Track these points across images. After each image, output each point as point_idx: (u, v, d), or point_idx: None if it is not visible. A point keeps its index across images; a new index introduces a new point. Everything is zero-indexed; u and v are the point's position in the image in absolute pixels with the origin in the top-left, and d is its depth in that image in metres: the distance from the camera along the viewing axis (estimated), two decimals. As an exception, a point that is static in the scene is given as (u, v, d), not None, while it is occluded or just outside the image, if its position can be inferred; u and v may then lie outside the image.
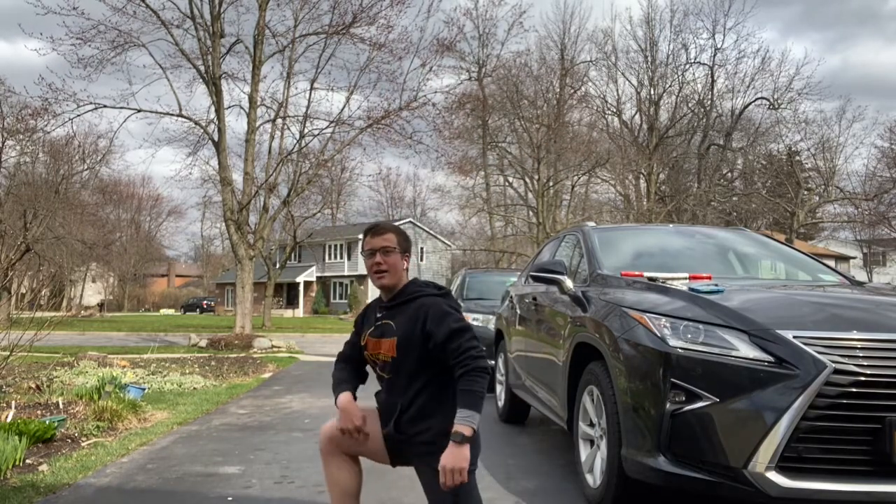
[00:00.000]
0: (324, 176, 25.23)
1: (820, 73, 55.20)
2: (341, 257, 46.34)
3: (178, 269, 69.56)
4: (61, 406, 5.81)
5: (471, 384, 2.25)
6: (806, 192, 29.61)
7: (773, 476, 2.62)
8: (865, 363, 2.63)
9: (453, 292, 9.85)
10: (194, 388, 7.95)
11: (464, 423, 2.20)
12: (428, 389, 2.43)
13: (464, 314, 2.59)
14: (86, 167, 27.89)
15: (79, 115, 16.37)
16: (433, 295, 2.48)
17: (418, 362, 2.40)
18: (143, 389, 7.07)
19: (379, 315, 2.57)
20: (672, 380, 2.86)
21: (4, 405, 5.56)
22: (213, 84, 16.27)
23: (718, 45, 34.01)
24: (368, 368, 2.68)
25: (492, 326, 7.38)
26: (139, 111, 16.57)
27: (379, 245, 2.52)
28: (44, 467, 4.18)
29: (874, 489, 2.59)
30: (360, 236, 2.67)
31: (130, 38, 15.89)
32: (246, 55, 17.32)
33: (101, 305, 50.87)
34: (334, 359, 2.79)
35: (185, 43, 16.52)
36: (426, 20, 37.25)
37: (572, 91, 31.20)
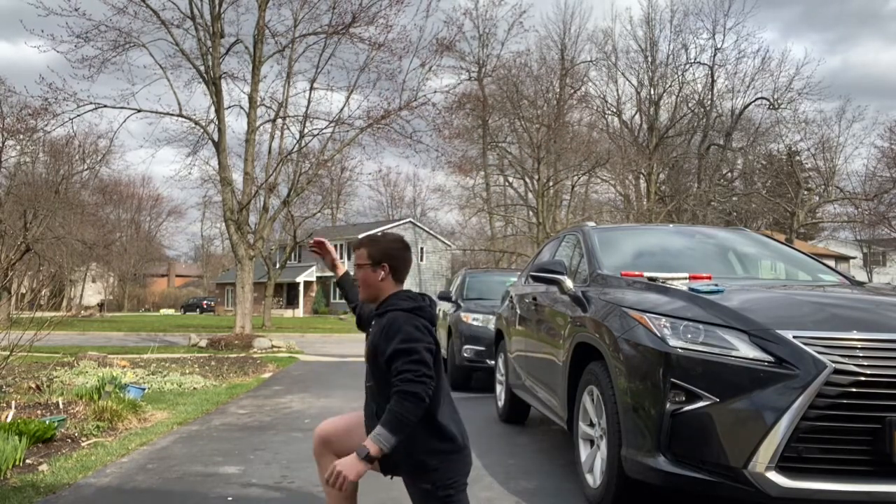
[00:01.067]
0: (324, 176, 25.26)
1: (820, 74, 55.36)
2: (341, 257, 46.16)
3: (178, 269, 69.57)
4: (61, 406, 5.81)
5: (397, 405, 2.16)
6: (806, 192, 29.61)
7: (773, 476, 2.62)
8: (865, 363, 2.63)
9: (453, 292, 9.93)
10: (194, 388, 7.94)
11: (373, 439, 2.14)
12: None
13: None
14: (86, 167, 27.93)
15: (79, 115, 16.38)
16: (400, 309, 2.40)
17: (381, 374, 2.34)
18: (143, 389, 7.07)
19: (372, 322, 2.58)
20: (672, 380, 2.86)
21: (4, 405, 5.56)
22: (213, 84, 16.27)
23: (718, 45, 34.01)
24: None
25: (492, 326, 7.38)
26: (139, 111, 16.58)
27: (355, 262, 2.56)
28: (44, 467, 4.18)
29: (874, 489, 2.59)
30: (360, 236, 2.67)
31: (131, 38, 15.90)
32: (246, 55, 17.33)
33: (101, 305, 50.87)
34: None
35: (185, 43, 16.55)
36: (425, 19, 37.15)
37: (572, 91, 31.21)
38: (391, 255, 2.52)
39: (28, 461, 4.26)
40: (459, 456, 2.40)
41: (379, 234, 2.64)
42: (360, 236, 2.78)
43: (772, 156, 31.90)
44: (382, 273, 2.50)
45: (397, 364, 2.24)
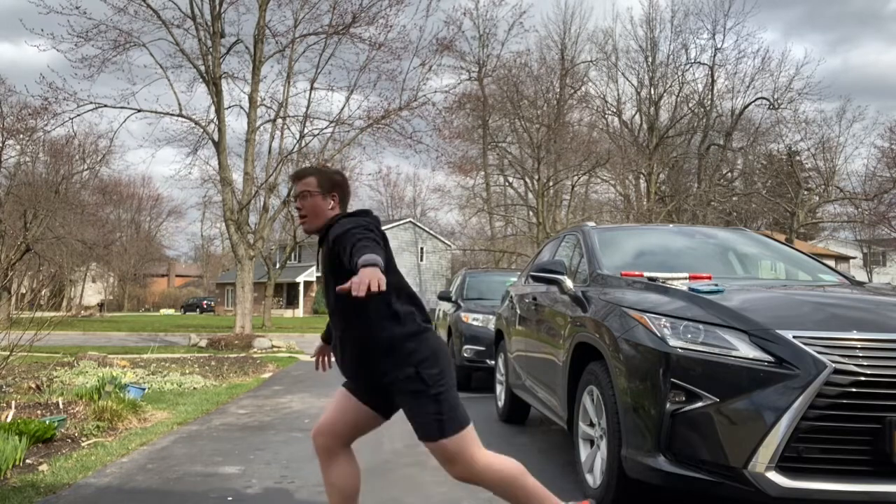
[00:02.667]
0: (324, 176, 25.22)
1: (820, 74, 55.35)
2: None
3: (178, 269, 69.56)
4: (61, 406, 5.81)
5: (362, 248, 2.11)
6: (806, 192, 29.62)
7: (773, 476, 2.62)
8: (865, 363, 2.63)
9: (453, 292, 9.93)
10: (194, 388, 7.95)
11: (368, 261, 2.02)
12: (360, 322, 2.38)
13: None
14: (86, 167, 27.90)
15: (79, 115, 16.42)
16: (340, 218, 2.40)
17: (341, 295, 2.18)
18: (143, 389, 7.07)
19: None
20: (672, 380, 2.86)
21: (4, 405, 5.56)
22: (214, 84, 16.28)
23: (718, 45, 34.09)
24: None
25: (492, 326, 7.38)
26: (139, 111, 16.59)
27: (298, 191, 2.47)
28: (44, 467, 4.18)
29: (874, 489, 2.59)
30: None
31: (131, 37, 15.92)
32: (246, 55, 17.35)
33: (101, 305, 50.88)
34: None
35: (186, 43, 16.57)
36: (425, 19, 37.24)
37: (572, 91, 31.20)
38: (340, 184, 2.50)
39: (28, 461, 4.26)
40: (431, 334, 2.44)
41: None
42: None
43: (772, 156, 31.90)
44: (332, 202, 2.46)
45: (352, 239, 2.18)
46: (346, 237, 2.24)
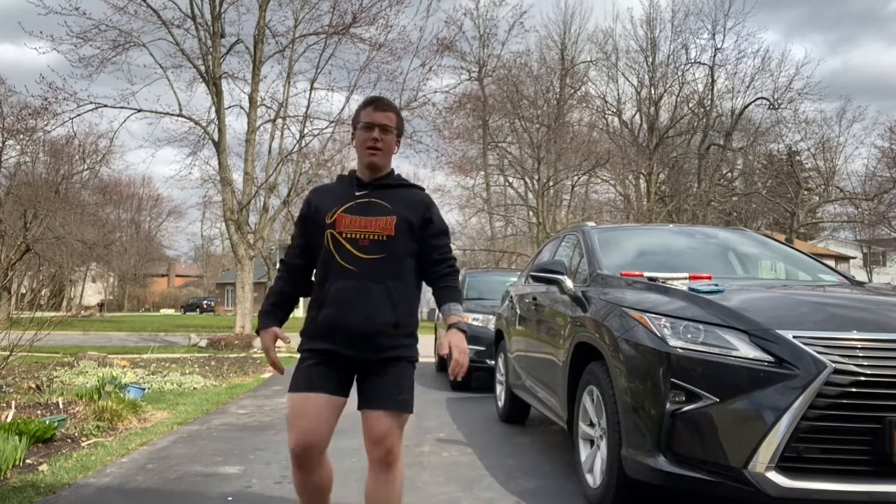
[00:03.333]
0: (324, 176, 25.21)
1: (821, 74, 55.22)
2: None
3: (178, 269, 69.57)
4: (61, 406, 5.81)
5: (454, 279, 2.48)
6: (806, 192, 29.58)
7: (773, 476, 2.62)
8: (865, 363, 2.63)
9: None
10: (194, 388, 7.94)
11: (458, 314, 2.41)
12: (408, 277, 2.43)
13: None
14: (86, 167, 27.90)
15: (79, 115, 16.40)
16: (420, 189, 2.58)
17: (411, 245, 2.41)
18: (143, 389, 7.07)
19: (359, 193, 2.43)
20: (672, 380, 2.86)
21: (4, 405, 5.56)
22: (214, 84, 16.27)
23: (718, 46, 34.05)
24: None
25: (492, 326, 7.38)
26: (139, 111, 16.58)
27: (380, 121, 2.42)
28: (44, 467, 4.17)
29: (874, 489, 2.59)
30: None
31: (131, 37, 15.91)
32: (246, 55, 17.33)
33: (101, 305, 50.87)
34: (277, 279, 2.62)
35: (186, 43, 16.55)
36: (425, 20, 37.22)
37: (572, 91, 31.19)
38: (403, 132, 2.58)
39: (28, 461, 4.26)
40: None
41: None
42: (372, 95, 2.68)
43: (772, 156, 31.88)
44: (397, 148, 2.53)
45: (445, 241, 2.46)
46: (444, 238, 2.48)
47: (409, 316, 2.43)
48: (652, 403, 2.94)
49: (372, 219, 2.37)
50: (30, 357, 8.08)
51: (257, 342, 14.18)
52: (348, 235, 2.36)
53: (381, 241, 2.35)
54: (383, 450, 2.34)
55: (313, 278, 2.52)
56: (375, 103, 2.45)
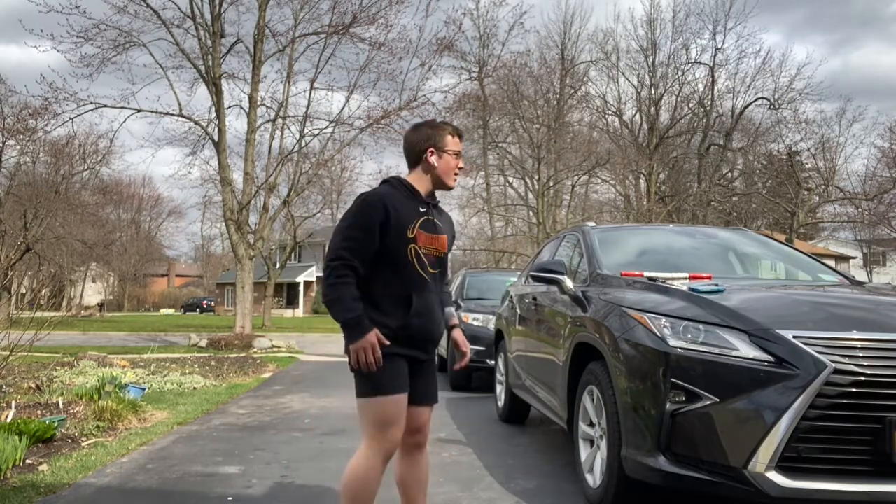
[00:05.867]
0: (324, 176, 25.27)
1: (821, 74, 54.94)
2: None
3: (178, 269, 69.57)
4: (61, 406, 5.81)
5: (448, 288, 2.82)
6: (806, 192, 29.57)
7: (773, 476, 2.62)
8: (865, 363, 2.63)
9: (453, 292, 9.92)
10: (194, 388, 7.95)
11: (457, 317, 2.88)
12: (440, 287, 2.70)
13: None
14: (86, 167, 27.92)
15: (79, 115, 16.42)
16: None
17: (445, 262, 2.70)
18: (143, 389, 7.07)
19: (423, 210, 2.57)
20: (672, 380, 2.86)
21: (4, 405, 5.56)
22: (214, 84, 16.28)
23: (719, 46, 34.04)
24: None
25: (492, 326, 7.37)
26: (139, 111, 16.60)
27: (456, 150, 2.63)
28: (44, 467, 4.18)
29: (874, 489, 2.59)
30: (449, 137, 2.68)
31: (131, 37, 15.93)
32: (246, 55, 17.35)
33: (101, 305, 50.88)
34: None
35: (186, 43, 16.58)
36: (425, 19, 37.28)
37: (573, 91, 31.20)
38: None
39: (28, 461, 4.26)
40: None
41: None
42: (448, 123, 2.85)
43: (772, 156, 31.86)
44: None
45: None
46: (451, 244, 2.78)
47: None
48: (652, 403, 2.94)
49: (438, 237, 2.61)
50: (30, 357, 8.08)
51: (257, 342, 14.19)
52: (425, 251, 2.56)
53: (441, 257, 2.63)
54: (423, 436, 2.70)
55: (378, 283, 2.55)
56: (461, 135, 2.71)
